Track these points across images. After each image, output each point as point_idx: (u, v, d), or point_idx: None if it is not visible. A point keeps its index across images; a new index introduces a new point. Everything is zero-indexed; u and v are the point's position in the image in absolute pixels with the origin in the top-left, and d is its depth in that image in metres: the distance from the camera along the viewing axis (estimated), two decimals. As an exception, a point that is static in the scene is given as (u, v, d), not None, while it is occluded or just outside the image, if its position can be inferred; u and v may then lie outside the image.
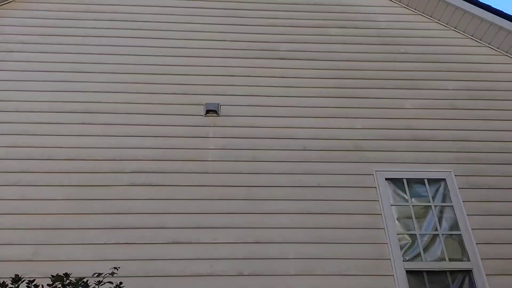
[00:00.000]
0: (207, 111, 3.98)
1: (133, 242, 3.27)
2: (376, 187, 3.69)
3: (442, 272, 3.34)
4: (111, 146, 3.74)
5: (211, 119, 3.99)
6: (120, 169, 3.62)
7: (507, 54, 4.60)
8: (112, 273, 2.37)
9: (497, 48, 4.63)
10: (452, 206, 3.63)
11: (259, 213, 3.49)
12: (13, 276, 2.20)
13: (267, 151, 3.83)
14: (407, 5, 4.94)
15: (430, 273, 3.32)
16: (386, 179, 3.74)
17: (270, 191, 3.61)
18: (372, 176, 3.75)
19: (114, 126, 3.86)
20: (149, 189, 3.54)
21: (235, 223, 3.42)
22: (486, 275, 3.29)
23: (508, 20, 4.48)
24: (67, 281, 2.16)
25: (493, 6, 4.78)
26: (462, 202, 3.63)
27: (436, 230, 3.52)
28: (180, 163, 3.70)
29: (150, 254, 3.23)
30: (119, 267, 2.51)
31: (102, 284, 2.36)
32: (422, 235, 3.50)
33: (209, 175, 3.66)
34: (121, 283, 2.44)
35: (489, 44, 4.67)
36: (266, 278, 3.20)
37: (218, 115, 4.00)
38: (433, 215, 3.60)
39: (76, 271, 2.51)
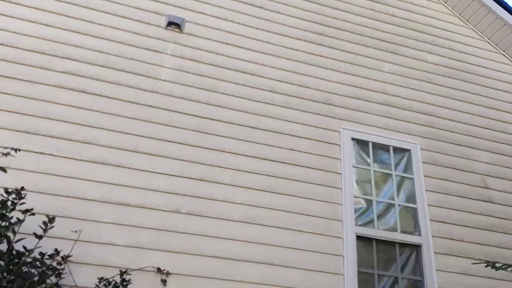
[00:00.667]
0: (169, 23, 3.36)
1: (50, 153, 2.66)
2: (340, 145, 3.37)
3: (392, 243, 3.14)
4: (43, 37, 3.01)
5: (172, 34, 3.38)
6: (50, 66, 2.93)
7: (489, 40, 4.46)
8: (7, 154, 1.78)
9: (481, 33, 4.48)
10: (413, 178, 3.43)
11: (210, 148, 3.02)
12: None
13: (231, 84, 3.34)
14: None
15: (379, 241, 3.11)
16: (353, 139, 3.44)
17: (227, 127, 3.15)
18: (338, 133, 3.43)
19: (49, 13, 3.11)
20: (81, 96, 2.90)
21: (180, 154, 2.93)
22: (434, 252, 3.14)
23: (497, 3, 4.31)
24: None
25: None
26: (423, 177, 3.44)
27: (393, 199, 3.31)
28: (126, 74, 3.08)
29: (69, 171, 2.64)
30: (18, 150, 1.92)
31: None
32: (379, 203, 3.26)
33: (159, 95, 3.10)
34: (22, 188, 1.86)
35: (474, 26, 4.49)
36: (206, 219, 2.77)
37: (181, 32, 3.40)
38: (392, 184, 3.38)
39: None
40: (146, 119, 2.97)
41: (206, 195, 2.84)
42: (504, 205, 3.54)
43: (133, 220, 2.63)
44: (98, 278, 2.24)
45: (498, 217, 3.48)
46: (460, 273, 3.12)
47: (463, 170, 3.61)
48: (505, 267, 1.98)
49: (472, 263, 2.84)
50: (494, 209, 3.49)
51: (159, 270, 2.52)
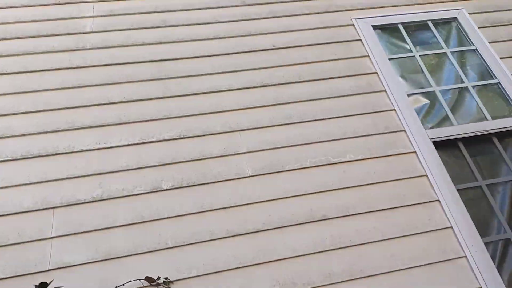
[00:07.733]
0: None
1: None
2: (361, 39, 2.38)
3: (485, 136, 2.09)
4: None
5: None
6: None
7: None
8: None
9: None
10: (476, 49, 2.40)
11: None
12: None
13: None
14: None
15: (467, 139, 2.07)
16: (374, 27, 2.44)
17: (191, 64, 2.19)
18: (352, 26, 2.44)
19: None
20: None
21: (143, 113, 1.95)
22: (547, 128, 2.10)
23: None
24: None
25: None
26: (488, 44, 2.41)
27: (462, 82, 2.28)
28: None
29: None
30: None
31: None
32: (445, 92, 2.24)
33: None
34: None
35: None
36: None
37: (101, -28, 2.50)
38: (452, 64, 2.35)
39: None
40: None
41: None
42: None
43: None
44: None
45: None
46: None
47: (534, 20, 2.58)
48: None
49: None
50: None
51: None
